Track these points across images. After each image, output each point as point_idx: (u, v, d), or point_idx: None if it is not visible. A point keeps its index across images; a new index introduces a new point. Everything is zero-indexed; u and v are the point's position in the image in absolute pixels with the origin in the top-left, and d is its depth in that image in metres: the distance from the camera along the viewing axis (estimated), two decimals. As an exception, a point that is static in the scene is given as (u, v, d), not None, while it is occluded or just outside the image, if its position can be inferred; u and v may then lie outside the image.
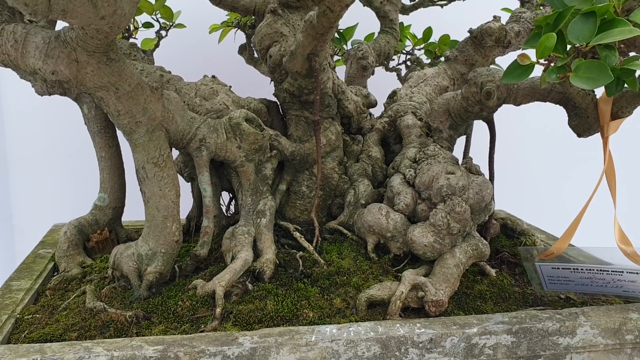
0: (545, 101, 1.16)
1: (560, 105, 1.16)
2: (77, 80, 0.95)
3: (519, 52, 0.88)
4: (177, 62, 1.82)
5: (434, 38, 1.89)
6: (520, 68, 0.82)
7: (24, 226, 2.17)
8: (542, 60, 0.81)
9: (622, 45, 0.82)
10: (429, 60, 1.90)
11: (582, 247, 1.20)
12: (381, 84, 1.79)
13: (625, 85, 0.82)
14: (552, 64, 0.80)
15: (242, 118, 1.15)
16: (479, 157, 1.32)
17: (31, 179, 2.19)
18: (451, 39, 1.85)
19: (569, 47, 0.82)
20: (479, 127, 1.40)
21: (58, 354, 0.87)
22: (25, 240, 2.11)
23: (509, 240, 1.41)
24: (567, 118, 1.17)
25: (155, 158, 1.04)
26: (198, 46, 2.02)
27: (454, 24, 1.79)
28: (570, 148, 2.04)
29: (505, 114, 1.46)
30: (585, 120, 1.12)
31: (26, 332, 0.99)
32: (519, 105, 1.18)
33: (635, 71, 0.78)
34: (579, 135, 1.16)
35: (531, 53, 0.83)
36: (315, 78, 1.20)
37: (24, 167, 2.19)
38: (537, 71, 0.89)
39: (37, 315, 1.05)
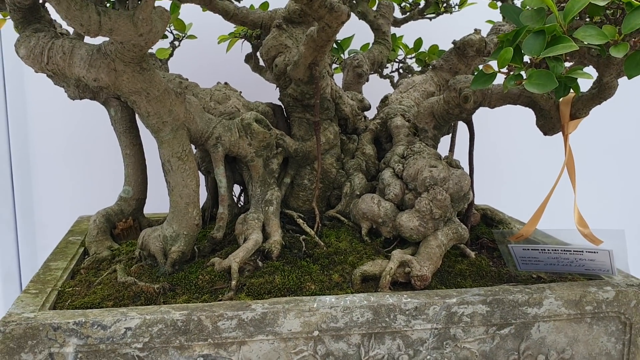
0: (515, 104, 1.32)
1: (529, 107, 1.32)
2: (115, 86, 1.11)
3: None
4: (188, 69, 1.97)
5: (424, 48, 2.04)
6: (485, 76, 0.99)
7: (46, 221, 2.33)
8: (503, 70, 0.97)
9: (568, 57, 0.99)
10: (419, 68, 2.06)
11: (546, 229, 1.35)
12: (376, 89, 1.93)
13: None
14: (511, 73, 0.97)
15: (252, 119, 1.32)
16: (462, 154, 1.48)
17: (51, 177, 2.33)
18: (440, 48, 2.01)
19: (525, 58, 0.99)
20: (464, 129, 1.55)
21: (99, 317, 1.00)
22: (48, 235, 2.27)
23: (488, 229, 1.57)
24: (535, 119, 1.34)
25: (179, 153, 1.21)
26: (207, 55, 2.15)
27: (442, 34, 1.93)
28: (541, 146, 2.20)
29: (491, 117, 1.61)
30: (549, 120, 1.28)
31: (69, 301, 1.15)
32: (493, 107, 1.35)
33: (576, 78, 0.95)
34: (545, 134, 1.32)
35: (494, 64, 1.00)
36: (315, 85, 1.37)
37: (45, 167, 2.33)
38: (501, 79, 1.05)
39: (77, 288, 1.21)
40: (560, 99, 1.24)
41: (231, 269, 1.16)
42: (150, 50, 1.81)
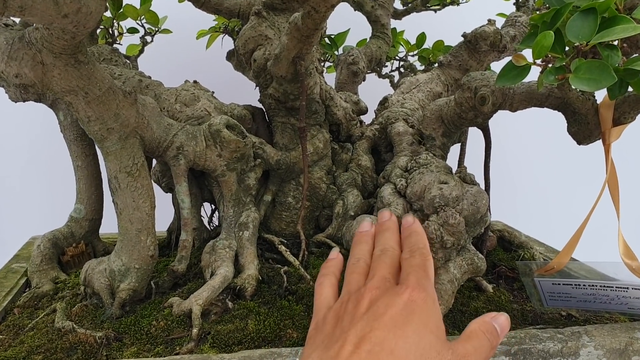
0: (542, 107, 1.10)
1: (558, 111, 1.10)
2: (43, 83, 0.88)
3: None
4: (164, 68, 1.76)
5: (428, 44, 1.84)
6: (515, 69, 0.76)
7: (4, 238, 2.10)
8: (538, 61, 0.74)
9: (624, 45, 0.76)
10: (422, 67, 1.85)
11: (585, 261, 1.14)
12: (373, 90, 1.74)
13: (630, 88, 0.76)
14: (550, 65, 0.74)
15: (222, 125, 1.08)
16: (473, 166, 1.25)
17: (12, 188, 2.13)
18: (445, 44, 1.80)
19: (567, 47, 0.76)
20: (474, 135, 1.34)
21: None
22: (7, 253, 2.05)
23: (506, 254, 1.34)
24: (566, 125, 1.11)
25: (128, 167, 0.98)
26: (186, 52, 1.96)
27: (448, 29, 1.74)
28: (569, 156, 1.98)
29: (501, 120, 1.40)
30: (585, 126, 1.05)
31: (-13, 354, 0.92)
32: (515, 111, 1.11)
33: (639, 72, 0.72)
34: (579, 143, 1.09)
35: (526, 54, 0.77)
36: (300, 83, 1.13)
37: (4, 176, 2.12)
38: (533, 75, 0.83)
39: (1, 337, 0.98)
40: (600, 101, 1.01)
41: (192, 313, 0.93)
42: (117, 46, 1.63)
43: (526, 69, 0.76)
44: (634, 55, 0.93)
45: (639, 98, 0.96)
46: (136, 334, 0.95)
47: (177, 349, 0.90)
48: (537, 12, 1.55)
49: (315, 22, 1.02)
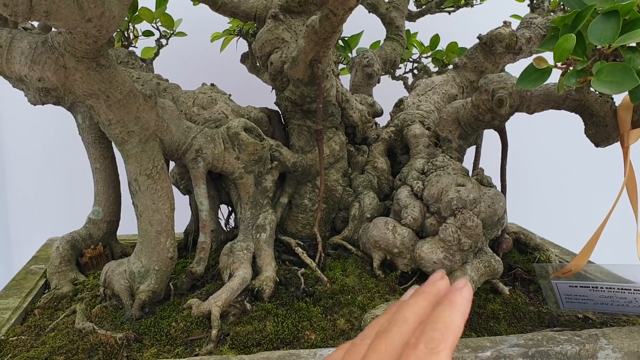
0: (560, 109, 1.10)
1: (576, 113, 1.09)
2: (65, 87, 0.89)
3: (533, 57, 0.82)
4: (178, 71, 1.77)
5: (442, 46, 1.84)
6: (536, 72, 0.76)
7: (20, 239, 2.11)
8: (559, 64, 0.74)
9: (646, 48, 0.76)
10: (436, 69, 1.85)
11: (602, 264, 1.13)
12: (387, 92, 1.74)
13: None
14: (571, 68, 0.74)
15: (240, 127, 1.09)
16: (489, 167, 1.25)
17: (29, 190, 2.14)
18: (459, 46, 1.80)
19: (588, 50, 0.76)
20: (489, 137, 1.34)
21: None
22: (23, 254, 2.06)
23: (522, 256, 1.34)
24: (583, 127, 1.10)
25: (148, 170, 0.99)
26: (200, 55, 1.97)
27: (462, 31, 1.73)
28: (586, 158, 1.97)
29: (517, 122, 1.40)
30: (603, 129, 1.05)
31: (9, 355, 0.93)
32: (532, 113, 1.11)
33: (663, 74, 0.72)
34: (597, 145, 1.09)
35: (547, 56, 0.77)
36: (317, 85, 1.14)
37: (22, 178, 2.13)
38: (553, 77, 0.83)
39: (23, 337, 0.98)
40: (619, 103, 1.00)
41: (211, 314, 0.94)
42: (133, 49, 1.64)
43: (547, 71, 0.76)
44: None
45: (658, 100, 0.95)
46: (156, 335, 0.95)
47: (197, 350, 0.91)
48: (552, 14, 1.55)
49: (333, 25, 1.02)
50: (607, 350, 0.94)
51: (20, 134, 2.09)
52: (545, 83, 0.99)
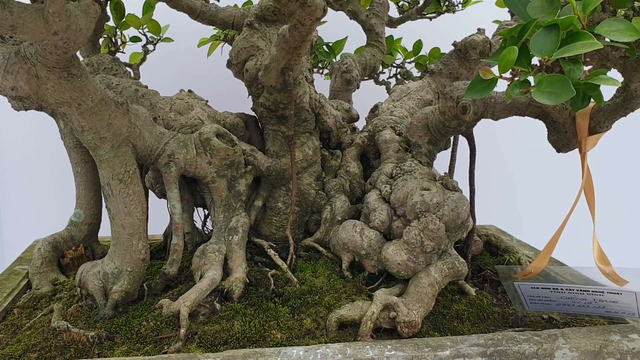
0: (523, 115, 1.13)
1: (539, 119, 1.13)
2: (38, 96, 0.93)
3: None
4: (166, 75, 1.81)
5: (425, 51, 1.87)
6: (483, 82, 0.79)
7: (12, 241, 2.16)
8: (505, 75, 0.78)
9: (587, 59, 0.79)
10: (419, 74, 1.88)
11: (575, 266, 1.16)
12: (371, 97, 1.76)
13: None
14: (517, 78, 0.77)
15: (212, 133, 1.13)
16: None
17: (21, 193, 2.18)
18: (442, 52, 1.82)
19: (534, 60, 0.79)
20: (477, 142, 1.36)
21: None
22: (15, 255, 2.11)
23: (492, 258, 1.37)
24: (546, 133, 1.14)
25: (120, 174, 1.02)
26: (188, 60, 2.00)
27: (447, 36, 1.76)
28: (555, 163, 2.00)
29: (498, 123, 1.42)
30: (563, 135, 1.08)
31: (-15, 352, 0.97)
32: (497, 119, 1.15)
33: (599, 85, 0.75)
34: (558, 151, 1.12)
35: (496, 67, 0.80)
36: (289, 92, 1.17)
37: (15, 181, 2.18)
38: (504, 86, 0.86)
39: (0, 335, 1.03)
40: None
41: (180, 313, 0.98)
42: (120, 54, 1.67)
43: (493, 82, 0.79)
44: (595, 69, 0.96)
45: (612, 108, 0.99)
46: (127, 334, 0.99)
47: (166, 348, 0.95)
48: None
49: (302, 34, 1.05)
50: (565, 349, 0.98)
51: (12, 138, 2.13)
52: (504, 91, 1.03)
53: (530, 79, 0.77)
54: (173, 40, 1.74)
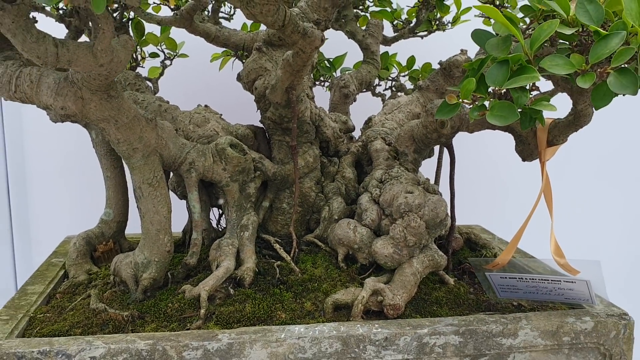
0: (494, 129, 1.29)
1: (508, 132, 1.30)
2: (83, 114, 1.11)
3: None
4: (182, 88, 1.97)
5: (418, 65, 2.02)
6: (448, 106, 0.97)
7: (40, 238, 2.34)
8: (466, 100, 0.95)
9: (535, 87, 0.96)
10: (412, 87, 2.04)
11: (542, 258, 1.31)
12: (369, 108, 1.92)
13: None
14: (476, 103, 0.95)
15: (226, 144, 1.31)
16: (469, 175, 1.43)
17: (47, 194, 2.35)
18: (433, 67, 1.98)
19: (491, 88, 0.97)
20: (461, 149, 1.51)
21: (64, 346, 1.00)
22: (42, 252, 2.28)
23: (472, 253, 1.55)
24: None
25: (149, 179, 1.21)
26: (201, 73, 2.15)
27: (439, 53, 1.90)
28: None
29: (490, 139, 1.56)
30: (527, 146, 1.26)
31: (38, 328, 1.15)
32: (472, 132, 1.32)
33: (541, 110, 0.92)
34: (524, 160, 1.29)
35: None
36: (292, 109, 1.36)
37: (41, 183, 2.35)
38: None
39: (48, 315, 1.21)
40: (538, 126, 1.21)
41: (200, 297, 1.16)
42: (140, 69, 1.85)
43: (457, 106, 0.97)
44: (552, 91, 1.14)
45: (566, 124, 1.16)
46: (155, 314, 1.17)
47: (188, 325, 1.13)
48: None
49: (303, 60, 1.24)
50: (527, 329, 1.12)
51: (41, 146, 2.30)
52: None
53: (487, 103, 0.95)
54: (188, 56, 1.89)
